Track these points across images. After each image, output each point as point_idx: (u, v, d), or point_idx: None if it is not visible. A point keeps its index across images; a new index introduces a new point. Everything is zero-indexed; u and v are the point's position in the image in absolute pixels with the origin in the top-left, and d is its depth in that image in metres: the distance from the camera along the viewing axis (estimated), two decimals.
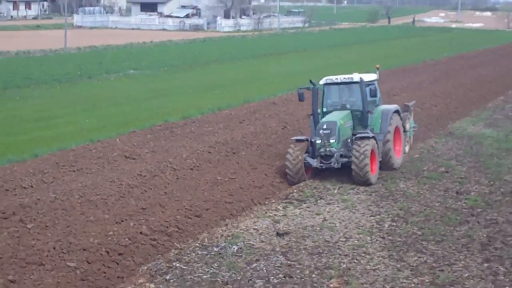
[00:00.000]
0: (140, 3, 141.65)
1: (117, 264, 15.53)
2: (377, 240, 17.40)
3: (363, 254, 16.39)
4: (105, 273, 15.05)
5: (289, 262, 15.92)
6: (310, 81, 23.85)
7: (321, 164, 22.26)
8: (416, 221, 18.70)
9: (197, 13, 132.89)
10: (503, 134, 30.67)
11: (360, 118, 23.24)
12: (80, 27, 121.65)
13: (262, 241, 17.31)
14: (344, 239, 17.42)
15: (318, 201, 20.77)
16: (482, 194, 21.28)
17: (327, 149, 21.95)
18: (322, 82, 23.76)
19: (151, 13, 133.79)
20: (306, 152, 22.41)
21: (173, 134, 29.07)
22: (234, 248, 16.75)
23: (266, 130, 29.96)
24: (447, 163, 25.21)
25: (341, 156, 22.19)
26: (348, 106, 23.62)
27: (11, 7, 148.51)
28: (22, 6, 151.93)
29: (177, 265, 15.78)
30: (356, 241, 17.26)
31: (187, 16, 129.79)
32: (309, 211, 19.91)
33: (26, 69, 54.54)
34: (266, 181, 22.86)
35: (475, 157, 26.29)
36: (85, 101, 38.84)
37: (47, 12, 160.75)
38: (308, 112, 25.31)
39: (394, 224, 18.59)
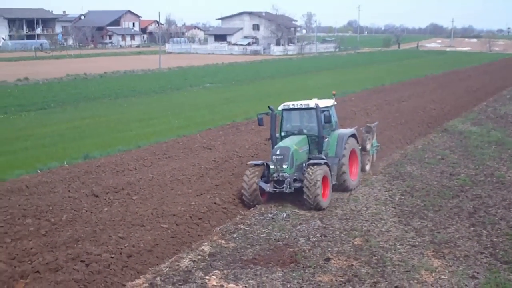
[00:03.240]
0: (214, 35, 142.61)
1: (198, 226, 15.65)
2: (389, 209, 17.17)
3: (379, 220, 16.22)
4: (189, 232, 15.19)
5: (324, 225, 15.82)
6: (269, 107, 18.80)
7: (274, 189, 17.38)
8: (419, 195, 18.42)
9: (256, 41, 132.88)
10: (486, 130, 30.00)
11: (317, 143, 18.42)
12: (170, 53, 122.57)
13: (304, 209, 17.23)
14: (365, 209, 17.24)
15: None
16: (469, 175, 20.85)
17: (280, 174, 17.23)
18: (280, 107, 18.89)
19: (222, 42, 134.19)
20: (262, 176, 17.56)
21: (238, 130, 29.13)
22: (283, 214, 16.70)
23: None
24: (442, 152, 24.76)
25: (295, 180, 17.34)
26: (305, 131, 18.74)
27: (120, 38, 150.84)
28: (128, 38, 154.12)
29: (242, 226, 15.82)
30: (374, 210, 17.07)
31: (248, 44, 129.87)
32: None
33: (131, 83, 55.25)
34: None
35: (464, 148, 25.78)
36: (174, 107, 39.18)
37: (146, 42, 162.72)
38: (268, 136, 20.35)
39: (403, 197, 18.33)
